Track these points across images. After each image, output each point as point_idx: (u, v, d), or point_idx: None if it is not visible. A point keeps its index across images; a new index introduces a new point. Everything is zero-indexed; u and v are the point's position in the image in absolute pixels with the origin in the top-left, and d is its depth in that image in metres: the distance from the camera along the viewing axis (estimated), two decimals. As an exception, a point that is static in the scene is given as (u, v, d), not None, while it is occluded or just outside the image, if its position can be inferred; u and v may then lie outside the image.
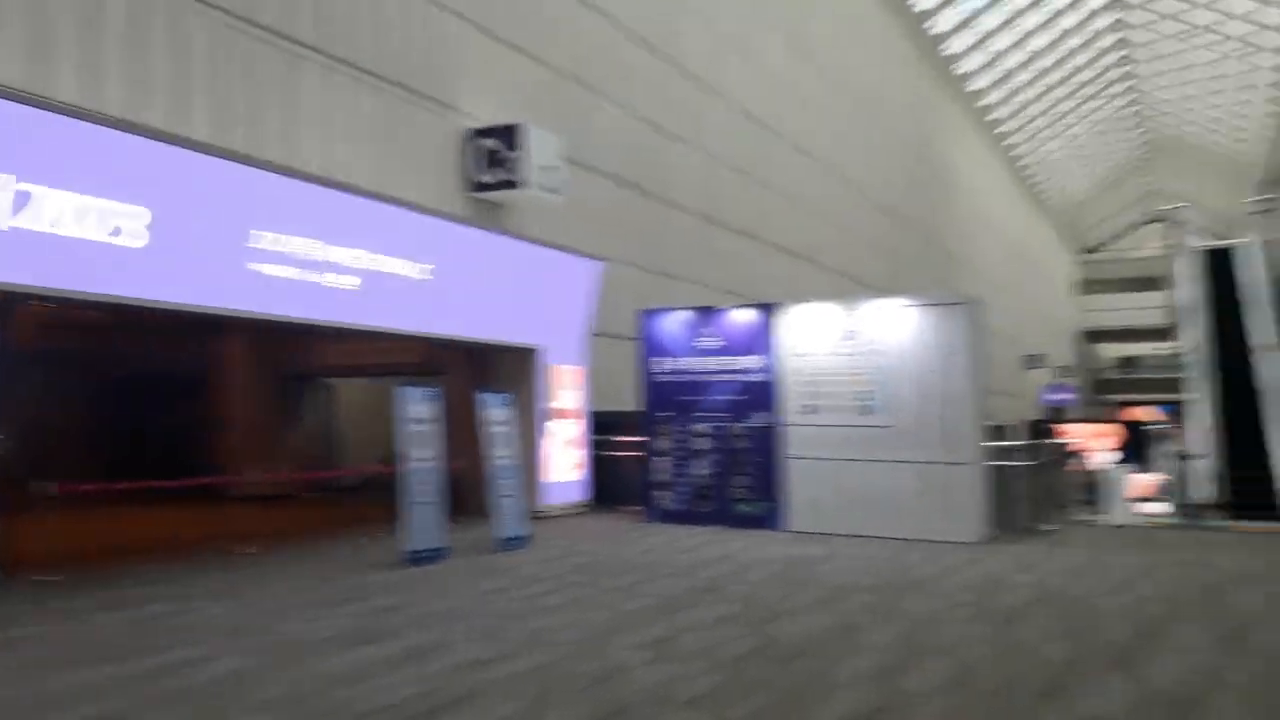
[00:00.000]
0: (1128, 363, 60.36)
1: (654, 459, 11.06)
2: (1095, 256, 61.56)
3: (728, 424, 10.61)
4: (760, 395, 10.43)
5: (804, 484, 10.15)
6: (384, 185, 9.76)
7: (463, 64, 11.38)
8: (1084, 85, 40.17)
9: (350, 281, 8.74)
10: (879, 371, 9.87)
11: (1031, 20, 32.83)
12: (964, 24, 30.91)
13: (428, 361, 12.37)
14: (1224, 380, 14.34)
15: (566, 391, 11.92)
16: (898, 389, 9.76)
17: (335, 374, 15.16)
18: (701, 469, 10.74)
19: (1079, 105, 42.23)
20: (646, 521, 10.81)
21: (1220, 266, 17.29)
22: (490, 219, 11.44)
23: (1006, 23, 32.06)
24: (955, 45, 31.87)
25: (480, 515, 9.30)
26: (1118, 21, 34.80)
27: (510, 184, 11.21)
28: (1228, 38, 32.61)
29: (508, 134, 11.27)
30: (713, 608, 6.20)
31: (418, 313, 9.68)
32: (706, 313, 10.99)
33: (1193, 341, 15.63)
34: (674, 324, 11.08)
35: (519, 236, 11.36)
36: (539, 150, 11.34)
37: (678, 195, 15.97)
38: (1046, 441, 11.61)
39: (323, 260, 8.48)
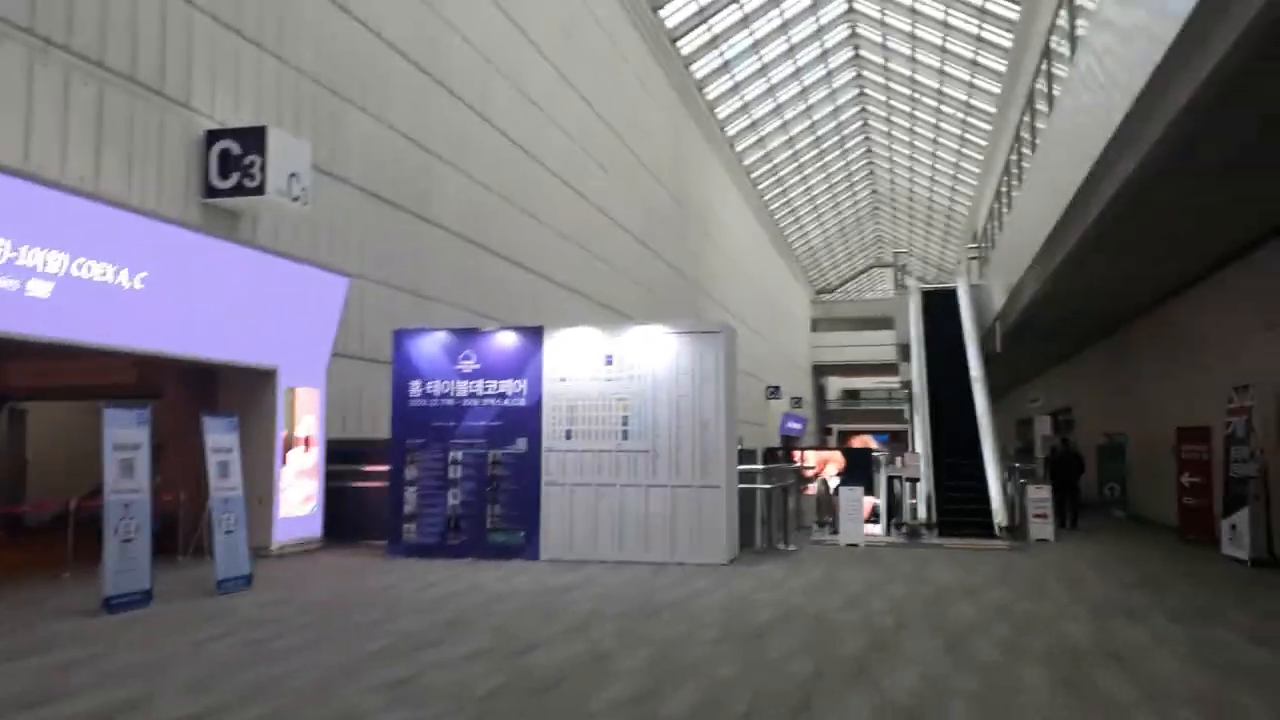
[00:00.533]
0: (852, 395, 65.80)
1: (401, 489, 10.42)
2: (827, 297, 66.84)
3: (484, 450, 10.21)
4: (519, 421, 10.13)
5: (560, 511, 9.93)
6: (98, 183, 8.63)
7: (202, 59, 10.37)
8: (824, 140, 43.57)
9: (41, 288, 7.56)
10: (637, 397, 9.88)
11: (781, 72, 35.21)
12: (722, 69, 32.62)
13: (144, 382, 11.07)
14: (938, 409, 15.69)
15: (306, 417, 11.03)
16: (655, 414, 9.81)
17: (28, 395, 13.24)
18: (454, 499, 10.24)
19: (820, 157, 45.75)
20: (390, 557, 10.16)
21: (938, 307, 19.10)
22: (227, 227, 10.44)
23: (759, 72, 34.18)
24: (713, 91, 33.58)
25: (201, 554, 8.31)
26: (859, 77, 38.01)
27: (250, 190, 10.27)
28: (942, 107, 36.52)
29: (249, 137, 10.36)
30: (459, 643, 5.78)
31: (128, 326, 8.56)
32: (466, 335, 10.57)
33: (913, 373, 17.05)
34: (431, 345, 10.56)
35: (257, 247, 10.43)
36: (284, 156, 10.50)
37: (439, 215, 15.43)
38: (788, 466, 12.10)
39: (6, 262, 7.28)
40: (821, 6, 32.31)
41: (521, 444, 10.10)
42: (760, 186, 44.25)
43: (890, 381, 48.50)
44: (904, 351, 22.50)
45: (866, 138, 45.97)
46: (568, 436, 10.01)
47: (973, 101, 34.41)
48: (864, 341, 43.70)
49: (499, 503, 10.10)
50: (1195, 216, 9.59)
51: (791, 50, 34.24)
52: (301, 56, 12.18)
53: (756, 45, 32.61)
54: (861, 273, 70.97)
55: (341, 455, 11.78)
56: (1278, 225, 9.90)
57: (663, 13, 27.75)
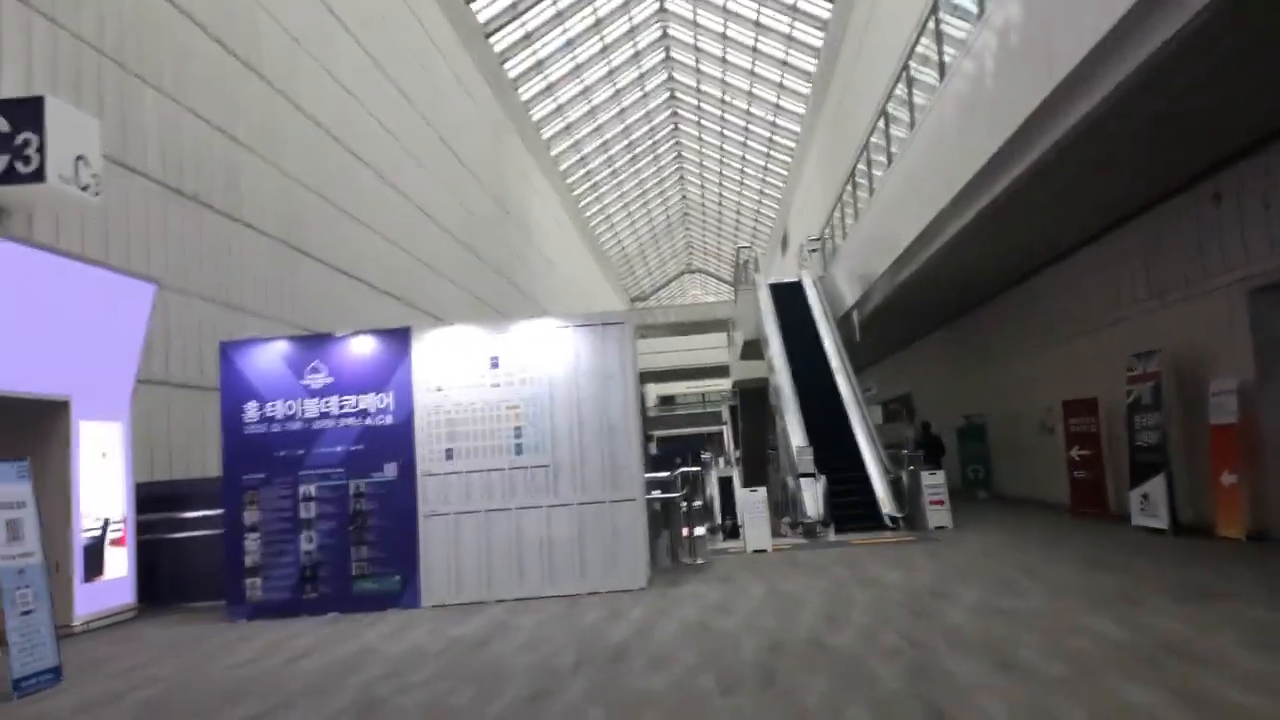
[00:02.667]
0: (668, 401, 66.36)
1: (239, 537, 8.55)
2: (642, 304, 67.14)
3: (344, 481, 8.52)
4: (387, 442, 8.52)
5: (444, 547, 8.41)
6: None
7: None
8: (637, 144, 43.30)
9: None
10: (531, 403, 8.54)
11: (595, 73, 34.48)
12: (535, 68, 31.44)
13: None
14: (805, 402, 15.21)
15: (106, 457, 8.92)
16: (553, 422, 8.50)
17: None
18: (308, 543, 8.48)
19: (633, 162, 45.46)
20: (231, 621, 8.28)
21: (784, 301, 18.77)
22: (-12, 223, 8.22)
23: (573, 73, 33.28)
24: (527, 91, 32.35)
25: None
26: (670, 79, 37.89)
27: (24, 176, 8.12)
28: (751, 109, 37.02)
29: (21, 110, 8.20)
30: (391, 740, 4.30)
31: None
32: (314, 343, 8.82)
33: (776, 368, 16.53)
34: (269, 358, 8.73)
35: (34, 246, 8.26)
36: (67, 135, 8.39)
37: (250, 214, 13.35)
38: (687, 471, 11.09)
39: None
40: (634, 6, 31.90)
41: (391, 470, 8.51)
42: (576, 193, 43.41)
43: (714, 385, 48.91)
44: (750, 349, 22.17)
45: (678, 143, 46.18)
46: (448, 456, 8.51)
47: (782, 103, 35.08)
48: (690, 346, 43.63)
49: (366, 543, 8.44)
50: (1098, 185, 9.39)
51: (605, 50, 33.62)
52: (80, 21, 9.97)
53: (570, 44, 31.73)
54: (674, 279, 71.72)
55: (154, 501, 9.67)
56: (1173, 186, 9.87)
57: (474, 6, 26.26)
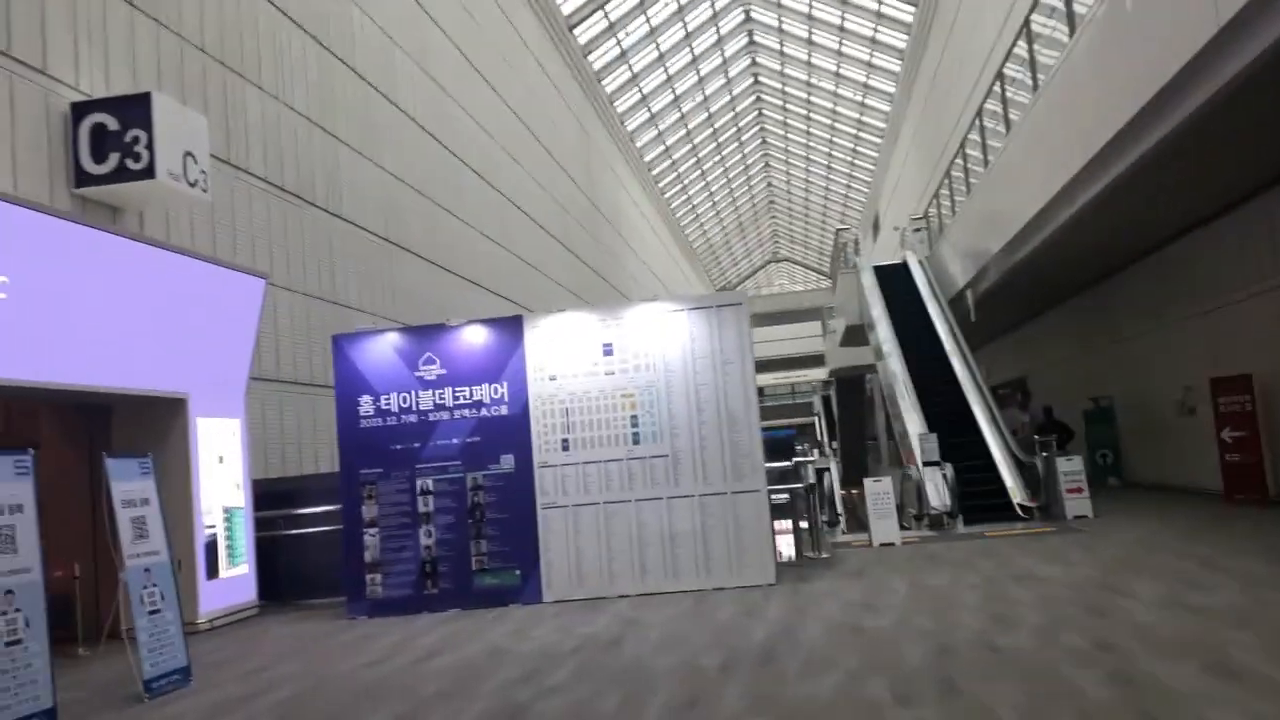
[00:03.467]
0: (759, 393, 65.00)
1: (357, 533, 8.41)
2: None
3: (461, 474, 8.29)
4: (503, 433, 8.27)
5: (563, 540, 8.11)
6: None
7: (58, 16, 8.15)
8: (722, 132, 42.68)
9: None
10: (647, 391, 8.17)
11: (678, 62, 34.03)
12: (619, 59, 31.17)
13: (12, 428, 8.73)
14: (921, 387, 14.49)
15: (224, 453, 8.89)
16: (670, 410, 8.12)
17: None
18: (427, 538, 8.29)
19: (718, 150, 44.85)
20: (351, 618, 8.14)
21: (889, 284, 18.01)
22: (108, 223, 8.24)
23: (656, 62, 32.90)
24: (611, 83, 32.09)
25: (116, 639, 6.20)
26: (753, 64, 37.20)
27: (135, 174, 8.11)
28: (837, 98, 36.01)
29: (130, 107, 8.19)
30: (537, 748, 3.97)
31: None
32: (426, 333, 8.62)
33: (884, 353, 15.84)
34: (382, 351, 8.57)
35: (149, 242, 8.25)
36: (176, 131, 8.37)
37: (351, 211, 13.34)
38: (804, 461, 10.57)
39: None
40: (717, -5, 31.33)
41: (508, 461, 8.25)
42: (661, 184, 43.02)
43: (804, 375, 47.92)
44: (852, 335, 21.44)
45: (762, 129, 45.39)
46: (565, 447, 8.21)
47: (871, 82, 33.99)
48: (781, 335, 42.83)
49: (485, 537, 8.20)
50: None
51: (688, 37, 33.15)
52: (183, 20, 10.00)
53: (653, 32, 31.35)
54: (760, 268, 70.78)
55: (271, 498, 9.65)
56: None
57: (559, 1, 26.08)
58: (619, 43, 30.59)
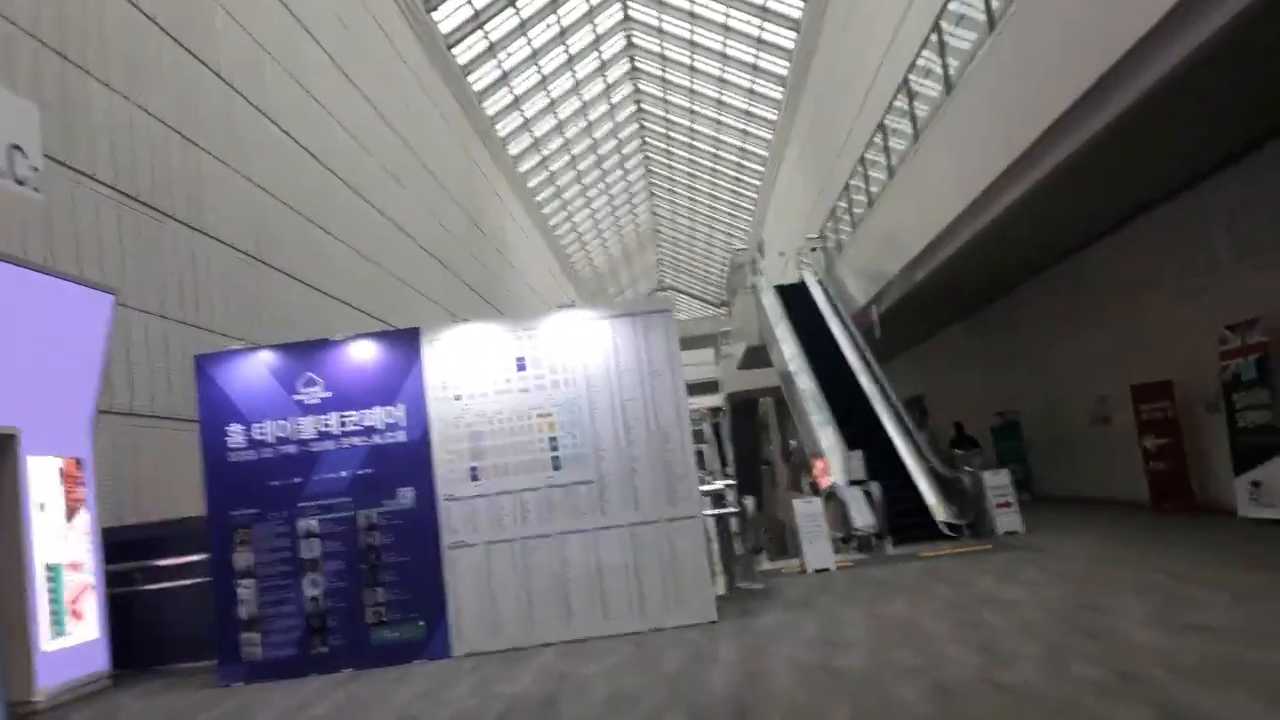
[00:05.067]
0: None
1: (228, 585, 7.18)
2: (616, 324, 65.55)
3: (351, 512, 7.19)
4: (400, 463, 7.21)
5: (475, 583, 7.10)
6: None
7: None
8: (605, 158, 42.29)
9: None
10: (567, 409, 7.28)
11: (560, 86, 33.44)
12: (500, 81, 30.31)
13: None
14: (830, 406, 14.08)
15: (64, 499, 7.51)
16: (595, 429, 7.25)
17: None
18: (313, 588, 7.13)
19: (602, 177, 44.42)
20: (224, 685, 6.91)
21: (795, 301, 17.69)
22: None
23: (539, 85, 32.20)
24: (492, 106, 31.18)
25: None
26: (636, 90, 36.99)
27: (-59, 167, 6.76)
28: (720, 126, 36.16)
29: (-68, 87, 6.85)
30: None
31: None
32: (305, 351, 7.48)
33: (791, 371, 15.41)
34: (254, 371, 7.39)
35: (-37, 250, 6.89)
36: (-5, 117, 7.06)
37: (215, 225, 12.00)
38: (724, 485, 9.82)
39: None
40: (598, 13, 30.94)
41: (406, 496, 7.20)
42: (545, 210, 42.22)
43: (699, 403, 47.52)
44: (752, 357, 21.06)
45: (646, 156, 45.25)
46: (474, 477, 7.22)
47: (754, 108, 34.24)
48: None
49: (382, 584, 7.11)
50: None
51: (570, 62, 32.62)
52: (12, 3, 8.64)
53: (535, 55, 30.67)
54: (647, 297, 70.52)
55: (125, 548, 8.26)
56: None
57: (437, 15, 25.08)
58: (499, 64, 29.77)
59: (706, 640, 6.26)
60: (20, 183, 7.20)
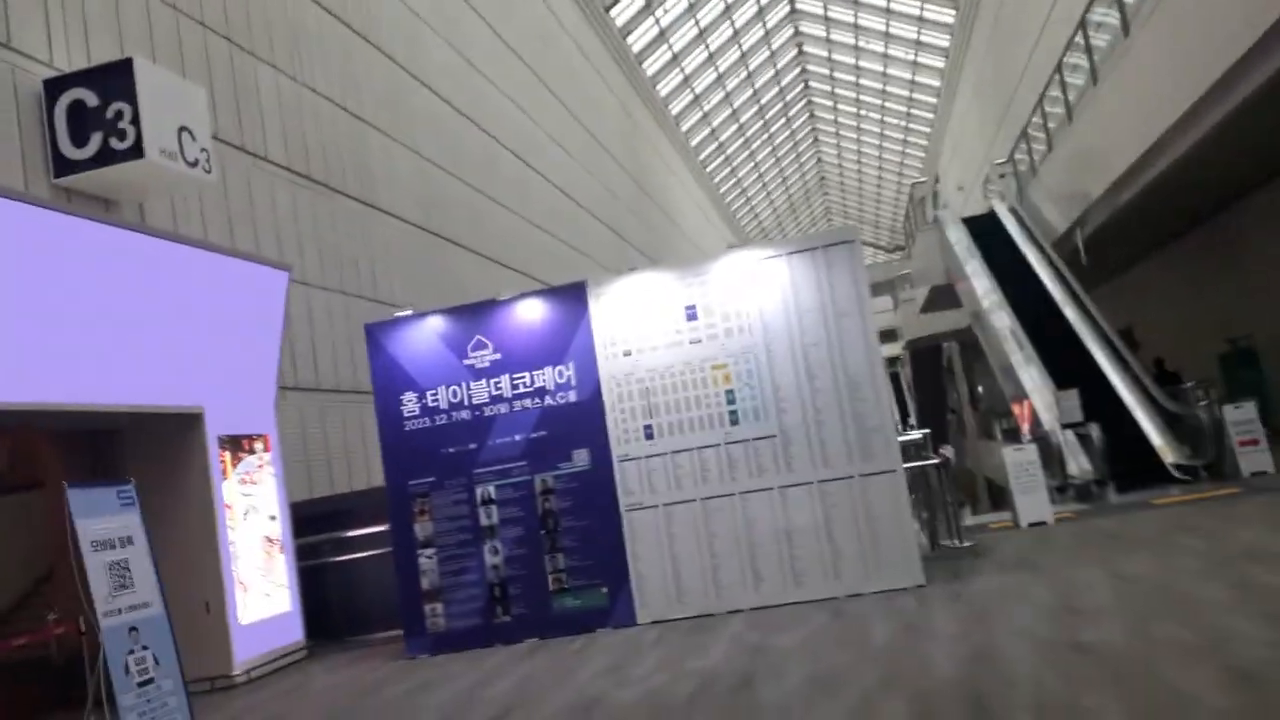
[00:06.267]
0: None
1: (411, 556, 7.09)
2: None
3: (528, 476, 6.92)
4: (573, 424, 6.87)
5: (656, 547, 6.68)
6: None
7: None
8: (768, 108, 40.95)
9: None
10: (743, 358, 6.70)
11: (719, 37, 32.46)
12: (659, 39, 29.70)
13: (10, 463, 7.61)
14: (1035, 342, 12.78)
15: (254, 475, 7.65)
16: (774, 379, 6.64)
17: None
18: (493, 556, 6.93)
19: (765, 129, 43.12)
20: (410, 656, 6.83)
21: (984, 233, 16.27)
22: (100, 214, 7.05)
23: (697, 39, 31.38)
24: (652, 65, 30.63)
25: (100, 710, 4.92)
26: (796, 34, 35.48)
27: (122, 154, 6.91)
28: (887, 59, 34.05)
29: (110, 77, 7.00)
30: None
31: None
32: (473, 314, 7.24)
33: (984, 309, 14.13)
34: (424, 338, 7.23)
35: (146, 231, 7.03)
36: (166, 102, 7.16)
37: (388, 201, 12.12)
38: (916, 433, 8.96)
39: None
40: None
41: (581, 458, 6.85)
42: (709, 168, 41.43)
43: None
44: (939, 298, 19.69)
45: (809, 101, 43.51)
46: (649, 435, 6.78)
47: (923, 37, 32.02)
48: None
49: (562, 550, 6.81)
50: None
51: (729, 10, 31.56)
52: (181, -7, 8.83)
53: (693, 7, 29.81)
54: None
55: (313, 521, 8.41)
56: None
57: (592, -22, 24.69)
58: (657, 21, 29.12)
59: (917, 608, 5.56)
60: (192, 164, 7.30)
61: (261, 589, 7.42)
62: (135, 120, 6.87)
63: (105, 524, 4.57)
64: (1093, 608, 4.87)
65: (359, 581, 8.50)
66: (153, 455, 7.14)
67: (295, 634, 7.62)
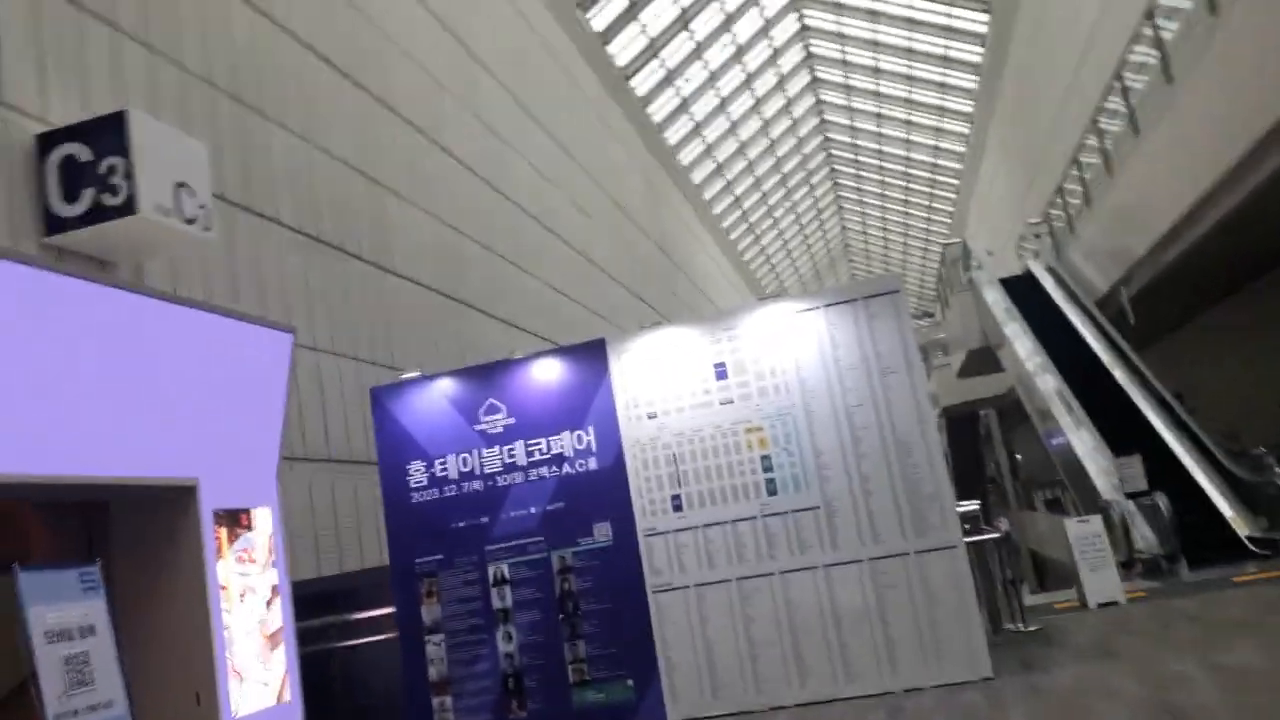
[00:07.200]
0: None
1: (417, 642, 6.45)
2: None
3: (545, 553, 6.30)
4: (594, 494, 6.27)
5: (687, 632, 6.01)
6: None
7: (18, 38, 6.73)
8: (790, 176, 40.97)
9: None
10: (779, 420, 6.10)
11: (740, 106, 32.57)
12: (680, 109, 29.78)
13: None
14: (1085, 405, 12.08)
15: (252, 552, 7.06)
16: (814, 443, 6.03)
17: None
18: (507, 643, 6.28)
19: (787, 196, 43.07)
20: (421, 752, 6.14)
21: (1021, 295, 15.70)
22: (95, 274, 6.65)
23: (718, 109, 31.47)
24: (673, 135, 30.68)
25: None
26: (818, 103, 35.60)
27: (113, 210, 6.50)
28: (910, 127, 33.99)
29: (102, 131, 6.64)
30: None
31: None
32: (485, 375, 6.72)
33: (1027, 372, 13.47)
34: (432, 402, 6.71)
35: (139, 291, 6.60)
36: (162, 155, 6.79)
37: (404, 265, 11.74)
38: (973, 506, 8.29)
39: None
40: (773, 26, 29.88)
41: (603, 532, 6.23)
42: (733, 236, 41.30)
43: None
44: (976, 362, 19.02)
45: (832, 169, 43.52)
46: (677, 507, 6.16)
47: (947, 103, 31.96)
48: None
49: (583, 636, 6.15)
50: None
51: (749, 80, 31.71)
52: (183, 48, 8.60)
53: (713, 78, 29.96)
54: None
55: (319, 602, 7.77)
56: None
57: (612, 49, 24.79)
58: (678, 91, 29.22)
59: (988, 707, 4.84)
60: (190, 221, 6.90)
61: (259, 678, 6.78)
62: (129, 175, 6.48)
63: (62, 612, 4.01)
64: (1196, 708, 4.15)
65: (367, 669, 7.83)
66: (141, 531, 6.59)
67: (293, 729, 6.93)
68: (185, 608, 6.37)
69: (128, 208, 6.43)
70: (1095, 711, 4.39)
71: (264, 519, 7.15)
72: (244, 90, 9.27)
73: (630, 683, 5.99)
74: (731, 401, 6.19)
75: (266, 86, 9.66)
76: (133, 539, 6.47)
